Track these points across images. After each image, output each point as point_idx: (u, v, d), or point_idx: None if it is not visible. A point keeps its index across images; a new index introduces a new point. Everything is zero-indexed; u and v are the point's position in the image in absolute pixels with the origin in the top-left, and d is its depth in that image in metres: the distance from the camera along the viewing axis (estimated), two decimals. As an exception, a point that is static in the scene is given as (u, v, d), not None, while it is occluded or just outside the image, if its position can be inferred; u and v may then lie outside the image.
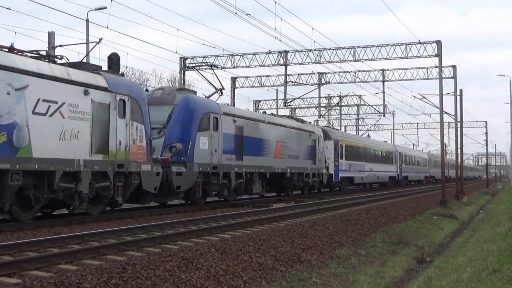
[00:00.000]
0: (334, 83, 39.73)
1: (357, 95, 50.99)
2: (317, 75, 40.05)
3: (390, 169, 48.70)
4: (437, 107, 31.44)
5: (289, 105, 44.87)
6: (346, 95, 51.30)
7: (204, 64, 29.45)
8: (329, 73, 39.37)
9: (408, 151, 59.88)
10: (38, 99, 12.55)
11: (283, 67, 35.14)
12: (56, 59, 14.24)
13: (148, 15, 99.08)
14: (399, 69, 38.95)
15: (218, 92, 22.97)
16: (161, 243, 10.83)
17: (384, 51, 32.18)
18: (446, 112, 37.00)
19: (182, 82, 34.74)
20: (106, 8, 26.80)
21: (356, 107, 54.16)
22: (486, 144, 76.76)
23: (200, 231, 12.48)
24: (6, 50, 12.55)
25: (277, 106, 45.54)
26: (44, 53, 13.92)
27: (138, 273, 7.68)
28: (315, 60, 33.86)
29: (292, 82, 39.83)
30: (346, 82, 39.26)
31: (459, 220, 23.45)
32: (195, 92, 21.93)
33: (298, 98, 43.89)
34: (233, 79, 40.07)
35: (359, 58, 32.78)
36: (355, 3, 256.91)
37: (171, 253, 9.13)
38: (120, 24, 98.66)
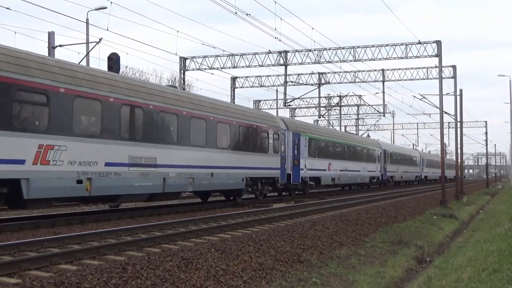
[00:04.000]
0: (334, 83, 39.82)
1: (357, 95, 51.07)
2: (317, 75, 40.09)
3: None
4: (437, 107, 31.46)
5: (289, 105, 44.92)
6: (346, 95, 51.39)
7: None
8: (329, 73, 39.46)
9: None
10: None
11: (283, 67, 35.18)
12: None
13: (148, 17, 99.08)
14: (399, 69, 39.10)
15: None
16: (161, 243, 10.83)
17: (384, 51, 32.27)
18: (446, 112, 37.04)
19: (182, 82, 34.76)
20: (106, 8, 26.83)
21: (356, 107, 54.20)
22: (486, 144, 76.92)
23: (200, 231, 12.48)
24: None
25: (277, 106, 45.60)
26: None
27: (138, 273, 7.67)
28: (315, 60, 33.89)
29: (292, 82, 39.86)
30: (346, 82, 39.36)
31: (459, 220, 23.43)
32: None
33: (298, 98, 43.92)
34: (233, 79, 40.08)
35: (359, 58, 32.82)
36: (355, 3, 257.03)
37: (171, 253, 9.13)
38: (120, 24, 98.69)
